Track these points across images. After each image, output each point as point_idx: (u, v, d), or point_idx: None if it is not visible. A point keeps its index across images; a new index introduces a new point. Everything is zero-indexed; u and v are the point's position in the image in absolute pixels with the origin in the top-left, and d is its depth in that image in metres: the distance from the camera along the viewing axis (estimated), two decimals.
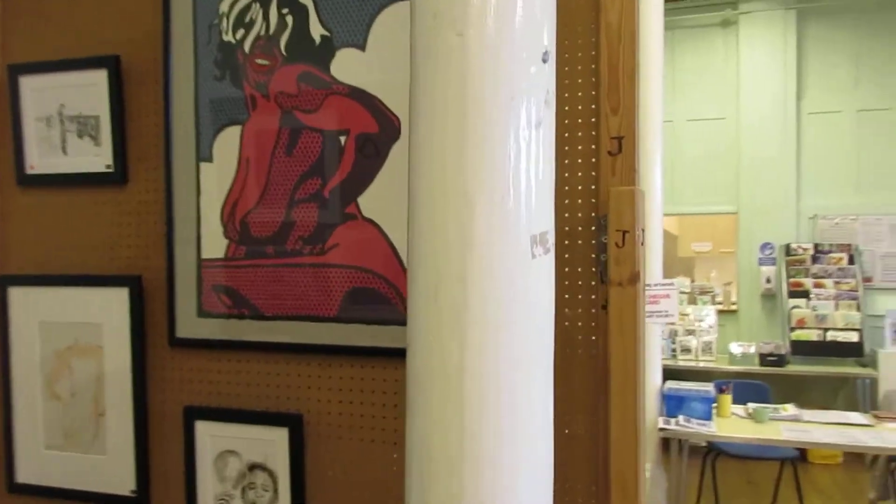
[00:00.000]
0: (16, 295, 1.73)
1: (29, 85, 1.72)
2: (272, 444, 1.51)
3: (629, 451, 1.21)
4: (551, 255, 0.96)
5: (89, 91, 1.68)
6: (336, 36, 1.48)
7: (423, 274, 0.94)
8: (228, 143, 1.56)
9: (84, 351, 1.66)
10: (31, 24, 1.74)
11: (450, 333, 0.90)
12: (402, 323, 1.45)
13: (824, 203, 6.88)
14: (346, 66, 1.47)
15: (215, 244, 1.58)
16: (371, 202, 1.46)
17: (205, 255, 1.59)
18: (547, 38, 0.95)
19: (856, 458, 5.95)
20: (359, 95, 1.46)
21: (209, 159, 1.58)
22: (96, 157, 1.68)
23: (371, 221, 1.46)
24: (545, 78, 0.95)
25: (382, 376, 1.47)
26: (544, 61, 0.94)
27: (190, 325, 1.60)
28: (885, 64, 6.76)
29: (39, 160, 1.72)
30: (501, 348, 0.89)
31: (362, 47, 1.46)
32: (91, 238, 1.70)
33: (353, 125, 1.47)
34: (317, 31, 1.49)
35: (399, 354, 1.45)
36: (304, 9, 1.50)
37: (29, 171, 1.73)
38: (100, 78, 1.66)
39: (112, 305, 1.64)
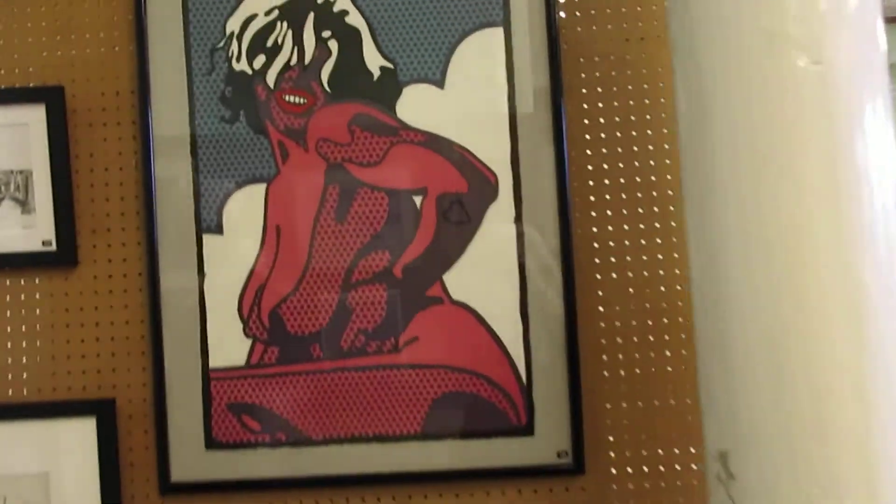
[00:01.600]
0: None
1: None
2: None
3: None
4: None
5: (14, 135, 1.17)
6: (402, 68, 1.14)
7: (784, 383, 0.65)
8: (247, 206, 1.15)
9: None
10: None
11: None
12: (515, 433, 1.13)
13: None
14: (419, 107, 1.14)
15: (231, 347, 1.14)
16: (462, 280, 1.13)
17: (214, 363, 1.14)
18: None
19: None
20: (438, 144, 1.14)
21: (216, 230, 1.15)
22: (26, 230, 1.17)
23: (463, 305, 1.13)
24: None
25: None
26: None
27: (194, 462, 1.14)
28: None
29: None
30: None
31: (440, 83, 1.14)
32: (25, 348, 1.17)
33: (432, 182, 1.14)
34: (375, 61, 1.14)
35: (515, 475, 1.12)
36: (355, 33, 1.15)
37: None
38: (33, 116, 1.17)
39: (66, 445, 1.13)
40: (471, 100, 1.14)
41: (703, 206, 0.72)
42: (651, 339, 1.13)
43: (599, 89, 1.15)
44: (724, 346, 0.70)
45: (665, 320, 1.13)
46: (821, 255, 0.64)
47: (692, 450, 1.11)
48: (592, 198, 1.14)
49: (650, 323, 1.13)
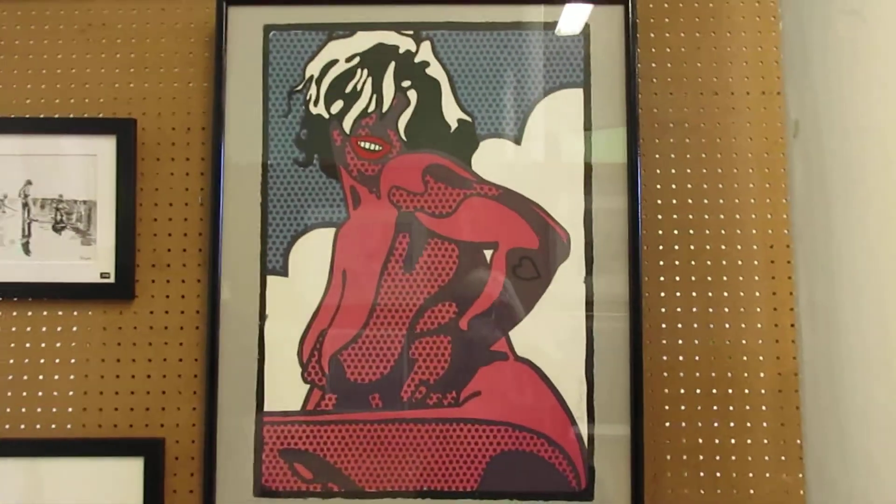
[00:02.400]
0: None
1: None
2: None
3: None
4: None
5: (82, 165, 1.16)
6: (480, 122, 1.15)
7: None
8: (314, 250, 1.14)
9: None
10: (7, 64, 1.19)
11: None
12: (574, 498, 1.11)
13: None
14: (495, 162, 1.14)
15: (287, 391, 1.12)
16: (528, 337, 1.12)
17: (269, 407, 1.11)
18: None
19: None
20: (512, 200, 1.14)
21: (281, 272, 1.13)
22: (85, 262, 1.15)
23: (527, 363, 1.12)
24: None
25: None
26: None
27: None
28: None
29: None
30: None
31: (517, 139, 1.15)
32: (73, 381, 1.13)
33: (503, 237, 1.13)
34: (453, 113, 1.15)
35: None
36: (435, 84, 1.16)
37: None
38: (103, 147, 1.16)
39: (110, 485, 1.09)
40: (547, 157, 1.15)
41: (822, 293, 0.71)
42: (715, 408, 1.12)
43: (673, 155, 1.16)
44: (841, 429, 0.69)
45: (730, 391, 1.12)
46: None
47: None
48: (661, 262, 1.14)
49: (715, 392, 1.12)
